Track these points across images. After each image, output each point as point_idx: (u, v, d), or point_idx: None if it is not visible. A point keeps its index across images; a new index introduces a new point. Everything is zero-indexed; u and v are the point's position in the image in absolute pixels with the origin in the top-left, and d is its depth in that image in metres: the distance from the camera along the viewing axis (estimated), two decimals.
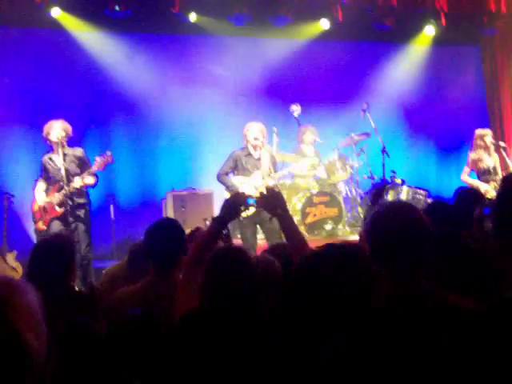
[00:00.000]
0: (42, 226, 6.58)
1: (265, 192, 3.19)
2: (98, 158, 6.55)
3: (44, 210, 6.55)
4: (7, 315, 1.44)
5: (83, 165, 6.63)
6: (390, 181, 8.50)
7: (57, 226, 6.48)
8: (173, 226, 3.38)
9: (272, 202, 3.05)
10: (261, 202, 3.09)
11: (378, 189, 3.93)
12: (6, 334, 1.41)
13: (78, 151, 6.72)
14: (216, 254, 2.52)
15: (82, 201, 6.61)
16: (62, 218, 6.49)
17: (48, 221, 6.53)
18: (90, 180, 6.52)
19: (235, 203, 3.04)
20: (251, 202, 3.07)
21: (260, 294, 2.43)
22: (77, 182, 6.41)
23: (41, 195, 6.62)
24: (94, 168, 6.52)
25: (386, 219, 2.17)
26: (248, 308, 2.34)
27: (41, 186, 6.67)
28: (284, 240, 3.37)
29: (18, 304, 1.48)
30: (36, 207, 6.64)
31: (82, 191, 6.60)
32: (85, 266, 6.45)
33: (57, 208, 6.49)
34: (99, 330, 2.37)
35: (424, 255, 2.14)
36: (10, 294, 1.47)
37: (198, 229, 3.91)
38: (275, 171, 7.10)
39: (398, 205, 2.42)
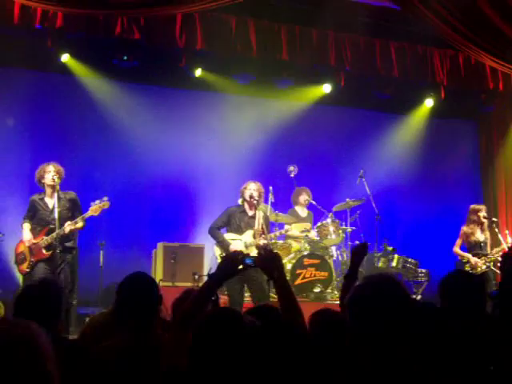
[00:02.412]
0: (25, 268, 6.51)
1: (263, 252, 3.17)
2: (93, 203, 6.57)
3: (30, 251, 6.49)
4: (36, 354, 1.52)
5: (75, 208, 6.64)
6: (382, 248, 8.54)
7: (41, 270, 6.43)
8: (144, 282, 3.32)
9: (270, 263, 2.98)
10: (259, 262, 3.02)
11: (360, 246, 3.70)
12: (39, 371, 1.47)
13: (71, 194, 6.74)
14: (207, 318, 2.45)
15: (69, 245, 6.59)
16: (48, 262, 6.46)
17: (33, 263, 6.47)
18: (79, 224, 6.53)
19: (233, 262, 2.96)
20: (249, 261, 2.99)
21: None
22: (67, 227, 6.39)
23: (28, 236, 6.57)
24: (89, 213, 6.54)
25: (366, 292, 2.27)
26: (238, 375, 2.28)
27: (27, 226, 6.64)
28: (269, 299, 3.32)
29: (41, 344, 1.56)
30: (20, 248, 6.58)
31: (71, 235, 6.59)
32: (65, 311, 6.37)
33: (44, 251, 6.46)
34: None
35: (402, 328, 2.19)
36: (33, 334, 1.54)
37: (192, 289, 3.87)
38: (268, 231, 7.12)
39: (380, 278, 2.43)
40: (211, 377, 2.27)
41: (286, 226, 7.82)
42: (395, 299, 2.24)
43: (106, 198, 6.64)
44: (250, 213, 7.04)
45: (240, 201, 7.15)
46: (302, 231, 8.27)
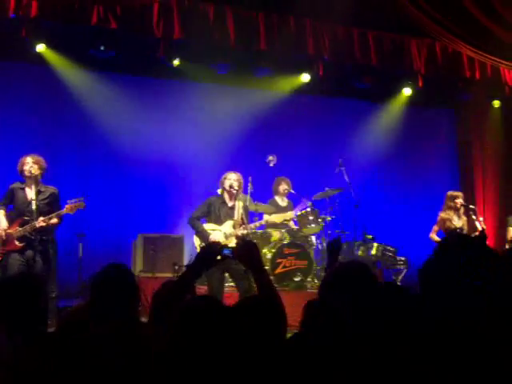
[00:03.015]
0: None
1: (241, 243, 3.17)
2: (69, 202, 6.54)
3: (2, 240, 6.45)
4: None
5: (54, 204, 6.60)
6: (361, 236, 8.60)
7: (15, 261, 6.38)
8: (117, 273, 3.28)
9: (248, 254, 2.98)
10: (237, 253, 3.03)
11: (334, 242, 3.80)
12: None
13: (53, 189, 6.70)
14: (186, 307, 2.43)
15: (45, 237, 6.52)
16: (21, 253, 6.41)
17: (5, 252, 6.42)
18: (53, 220, 6.49)
19: (211, 253, 2.97)
20: (227, 252, 3.00)
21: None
22: (41, 222, 6.35)
23: (4, 223, 6.52)
24: (64, 211, 6.51)
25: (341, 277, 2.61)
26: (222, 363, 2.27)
27: (1, 213, 6.59)
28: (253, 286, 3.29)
29: None
30: None
31: (48, 228, 6.53)
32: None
33: (16, 242, 6.41)
34: None
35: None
36: None
37: (172, 280, 3.85)
38: (248, 221, 7.13)
39: (352, 265, 2.77)
40: (192, 365, 2.27)
41: (266, 216, 7.82)
42: (362, 281, 2.56)
43: (82, 198, 6.59)
44: (230, 203, 7.03)
45: (220, 191, 7.14)
46: (283, 221, 8.29)
